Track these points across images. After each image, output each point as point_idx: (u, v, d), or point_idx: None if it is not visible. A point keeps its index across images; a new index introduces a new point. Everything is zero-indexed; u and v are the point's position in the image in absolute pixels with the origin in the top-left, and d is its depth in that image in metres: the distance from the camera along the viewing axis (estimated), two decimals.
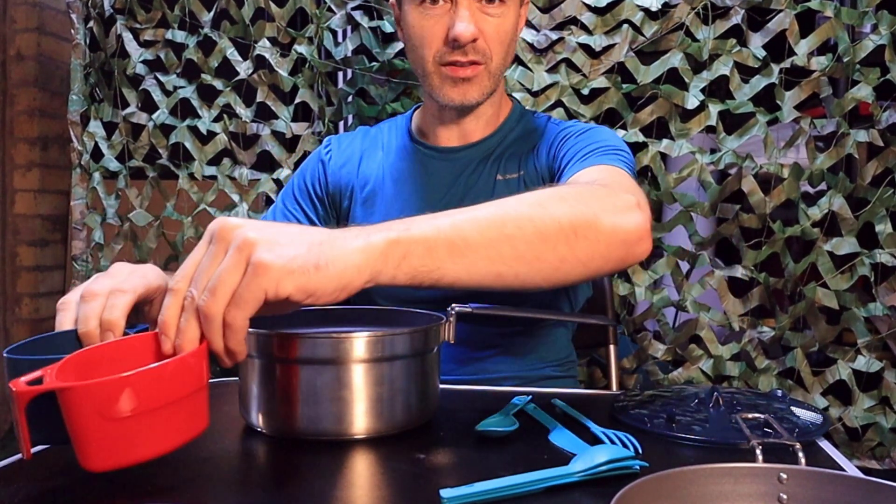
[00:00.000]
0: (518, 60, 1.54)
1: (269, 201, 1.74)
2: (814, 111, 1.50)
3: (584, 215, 0.72)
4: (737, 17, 1.44)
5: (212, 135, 1.75)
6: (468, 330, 1.08)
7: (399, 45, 1.60)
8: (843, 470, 0.64)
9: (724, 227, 1.50)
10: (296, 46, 1.66)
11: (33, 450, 0.58)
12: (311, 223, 1.15)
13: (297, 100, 1.69)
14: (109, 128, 1.83)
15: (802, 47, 1.42)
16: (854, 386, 1.44)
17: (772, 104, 1.46)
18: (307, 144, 1.69)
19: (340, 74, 1.81)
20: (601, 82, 1.51)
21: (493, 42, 1.03)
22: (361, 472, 0.66)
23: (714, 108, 1.47)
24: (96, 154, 1.83)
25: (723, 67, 1.46)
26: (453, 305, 0.81)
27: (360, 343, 0.71)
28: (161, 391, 0.55)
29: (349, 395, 0.71)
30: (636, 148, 1.51)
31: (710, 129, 1.49)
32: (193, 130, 1.75)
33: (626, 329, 1.59)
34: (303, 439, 0.72)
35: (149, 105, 1.78)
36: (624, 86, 1.51)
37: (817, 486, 0.49)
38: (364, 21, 1.61)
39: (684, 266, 1.55)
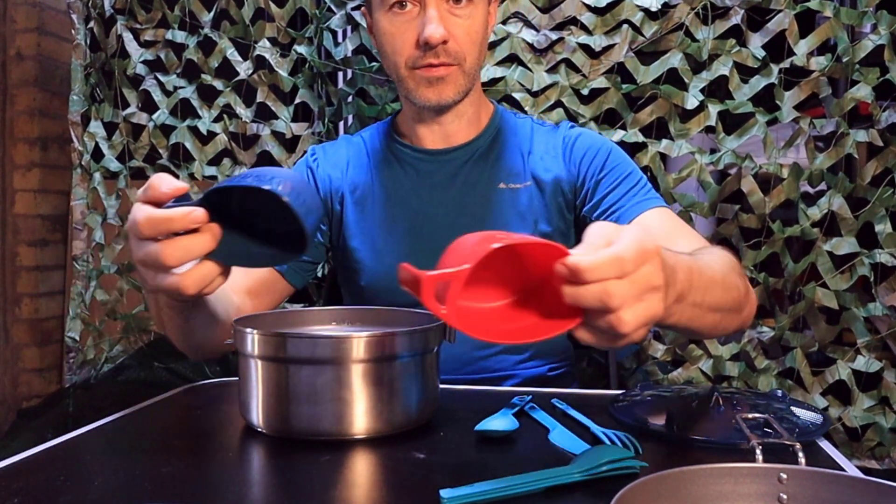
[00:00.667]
0: (518, 60, 1.55)
1: None
2: (813, 111, 1.50)
3: (740, 303, 0.83)
4: (736, 18, 1.44)
5: (212, 135, 1.75)
6: None
7: None
8: (843, 470, 0.64)
9: (724, 228, 1.50)
10: (296, 47, 1.66)
11: None
12: None
13: (297, 100, 1.69)
14: (110, 128, 1.83)
15: (802, 47, 1.42)
16: (854, 386, 1.44)
17: (771, 104, 1.46)
18: (307, 145, 1.69)
19: (340, 75, 1.81)
20: (601, 82, 1.51)
21: (465, 43, 1.04)
22: (361, 472, 0.66)
23: (713, 109, 1.47)
24: (97, 154, 1.83)
25: (722, 67, 1.46)
26: None
27: (360, 343, 0.71)
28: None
29: (349, 395, 0.71)
30: (636, 148, 1.51)
31: (710, 130, 1.49)
32: (194, 131, 1.76)
33: None
34: (303, 439, 0.72)
35: (149, 105, 1.78)
36: (624, 86, 1.51)
37: (817, 486, 0.49)
38: (364, 21, 1.61)
39: None
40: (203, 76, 1.73)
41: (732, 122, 1.50)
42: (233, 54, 1.71)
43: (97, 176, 1.82)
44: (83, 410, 1.78)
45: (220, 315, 0.91)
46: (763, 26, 1.44)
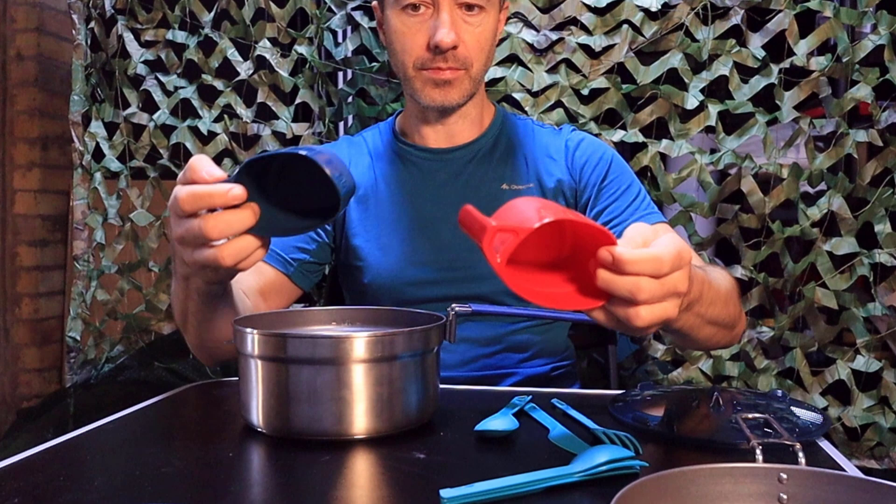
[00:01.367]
0: (518, 60, 1.55)
1: None
2: (813, 111, 1.50)
3: (734, 322, 0.89)
4: (736, 18, 1.44)
5: (212, 135, 1.75)
6: (471, 328, 1.09)
7: None
8: (843, 470, 0.64)
9: (724, 228, 1.50)
10: (296, 47, 1.66)
11: None
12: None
13: (298, 100, 1.69)
14: (110, 128, 1.83)
15: (802, 47, 1.42)
16: (853, 386, 1.44)
17: (771, 104, 1.46)
18: (307, 145, 1.69)
19: (341, 75, 1.81)
20: (601, 83, 1.51)
21: (474, 49, 1.05)
22: (361, 472, 0.66)
23: (713, 109, 1.47)
24: (97, 154, 1.83)
25: (722, 68, 1.46)
26: (453, 305, 0.81)
27: (360, 343, 0.71)
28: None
29: (349, 395, 0.71)
30: (636, 148, 1.51)
31: (710, 130, 1.49)
32: (194, 131, 1.75)
33: None
34: (303, 439, 0.72)
35: (150, 105, 1.78)
36: (624, 86, 1.51)
37: (817, 486, 0.49)
38: (364, 21, 1.61)
39: None
40: (203, 76, 1.73)
41: (732, 122, 1.50)
42: (233, 54, 1.71)
43: (98, 176, 1.82)
44: (83, 410, 1.78)
45: (239, 313, 0.92)
46: (763, 26, 1.44)
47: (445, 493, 0.56)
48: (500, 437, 0.73)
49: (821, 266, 1.44)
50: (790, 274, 1.48)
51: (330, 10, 1.63)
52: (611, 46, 1.51)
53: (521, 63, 1.54)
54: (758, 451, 0.61)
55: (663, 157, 1.51)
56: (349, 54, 1.66)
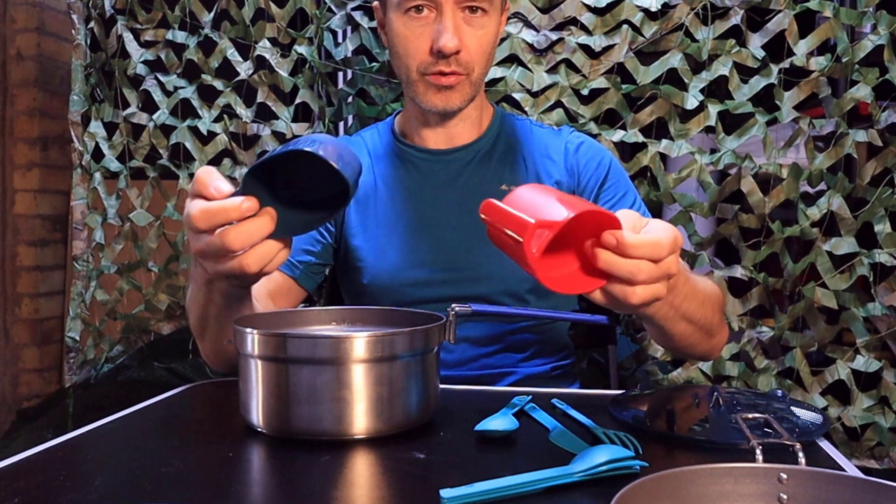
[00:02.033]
0: (518, 61, 1.55)
1: None
2: (813, 111, 1.50)
3: (713, 328, 0.94)
4: (736, 18, 1.44)
5: (212, 135, 1.75)
6: (471, 328, 1.09)
7: None
8: (843, 470, 0.64)
9: (724, 228, 1.50)
10: (296, 47, 1.66)
11: None
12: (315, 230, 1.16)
13: (298, 100, 1.69)
14: (110, 128, 1.83)
15: (801, 47, 1.42)
16: (853, 386, 1.44)
17: (771, 104, 1.46)
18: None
19: (340, 75, 1.81)
20: (601, 83, 1.51)
21: (476, 54, 1.05)
22: (361, 472, 0.66)
23: (713, 109, 1.47)
24: (97, 154, 1.83)
25: (722, 68, 1.46)
26: (453, 305, 0.81)
27: (360, 343, 0.71)
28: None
29: (349, 395, 0.71)
30: (636, 148, 1.51)
31: (710, 130, 1.49)
32: (194, 131, 1.75)
33: (626, 329, 1.59)
34: (303, 439, 0.72)
35: (149, 105, 1.78)
36: (623, 86, 1.51)
37: (817, 486, 0.49)
38: (364, 21, 1.61)
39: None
40: (203, 76, 1.73)
41: (732, 122, 1.50)
42: (233, 54, 1.71)
43: (97, 176, 1.82)
44: (83, 410, 1.78)
45: None
46: (763, 26, 1.44)
47: (445, 493, 0.56)
48: (500, 437, 0.73)
49: (821, 266, 1.44)
50: (790, 274, 1.48)
51: (330, 10, 1.63)
52: (611, 46, 1.51)
53: (521, 63, 1.54)
54: (758, 451, 0.61)
55: (663, 157, 1.51)
56: (349, 54, 1.66)
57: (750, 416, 0.71)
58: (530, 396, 0.87)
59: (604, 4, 1.50)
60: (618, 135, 1.51)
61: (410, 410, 0.75)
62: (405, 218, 1.13)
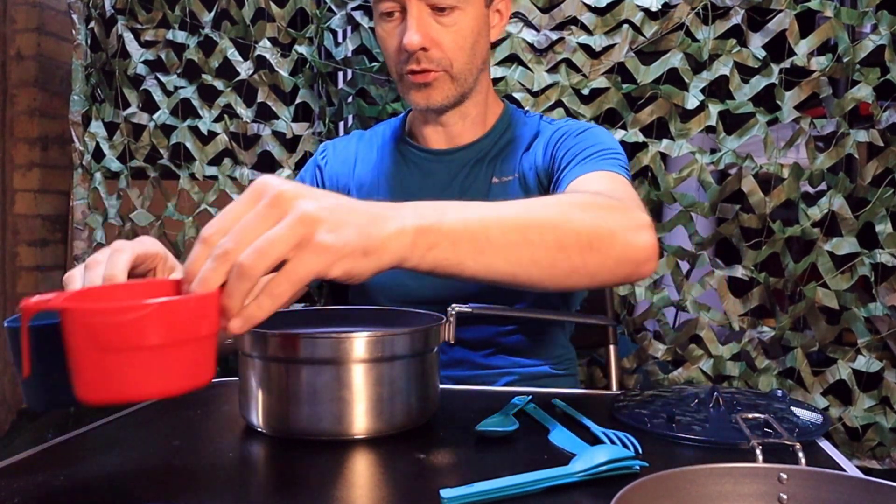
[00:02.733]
0: (518, 60, 1.55)
1: None
2: (814, 111, 1.50)
3: (601, 229, 0.74)
4: (737, 18, 1.44)
5: (212, 135, 1.75)
6: (464, 330, 1.09)
7: None
8: (844, 470, 0.64)
9: (724, 227, 1.50)
10: (296, 47, 1.66)
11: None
12: None
13: (298, 100, 1.69)
14: (110, 128, 1.83)
15: (802, 47, 1.42)
16: (854, 386, 1.44)
17: (772, 104, 1.46)
18: (308, 145, 1.69)
19: (341, 75, 1.81)
20: (601, 82, 1.51)
21: (451, 49, 1.05)
22: (361, 472, 0.66)
23: (714, 109, 1.47)
24: (97, 154, 1.83)
25: (723, 67, 1.46)
26: (453, 305, 0.81)
27: (360, 343, 0.71)
28: (164, 328, 0.53)
29: (349, 395, 0.71)
30: (636, 148, 1.51)
31: (710, 130, 1.49)
32: (194, 130, 1.76)
33: (626, 329, 1.59)
34: (303, 439, 0.72)
35: (150, 105, 1.78)
36: (624, 86, 1.51)
37: (817, 486, 0.49)
38: (364, 21, 1.61)
39: (684, 266, 1.55)
40: (204, 76, 1.73)
41: (733, 122, 1.50)
42: (233, 54, 1.71)
43: (98, 176, 1.83)
44: (83, 410, 1.78)
45: None
46: (763, 26, 1.44)
47: (445, 493, 0.56)
48: (500, 437, 0.73)
49: (821, 266, 1.44)
50: (791, 274, 1.47)
51: (330, 9, 1.63)
52: (611, 46, 1.51)
53: (522, 63, 1.54)
54: (758, 451, 0.61)
55: (664, 157, 1.51)
56: (349, 54, 1.66)
57: (750, 416, 0.71)
58: (530, 396, 0.86)
59: (604, 4, 1.50)
60: (618, 134, 1.51)
61: (410, 410, 0.75)
62: None
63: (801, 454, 0.60)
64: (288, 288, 0.56)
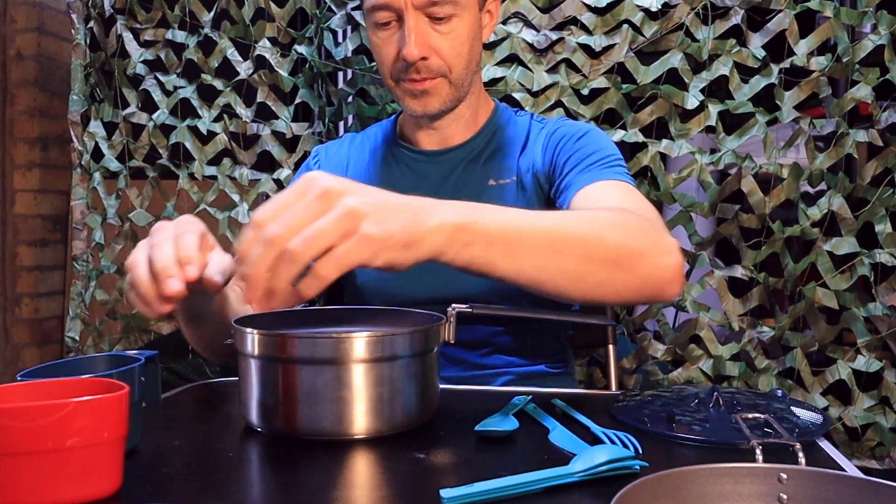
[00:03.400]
0: (518, 60, 1.54)
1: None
2: (813, 111, 1.50)
3: (630, 249, 0.76)
4: (736, 18, 1.44)
5: (212, 135, 1.75)
6: (461, 330, 1.09)
7: None
8: (844, 470, 0.64)
9: (724, 228, 1.50)
10: (296, 46, 1.66)
11: None
12: None
13: (298, 100, 1.69)
14: (110, 128, 1.83)
15: (802, 47, 1.42)
16: (854, 386, 1.44)
17: (771, 104, 1.46)
18: (307, 145, 1.69)
19: (340, 74, 1.81)
20: (601, 82, 1.51)
21: (449, 56, 1.04)
22: (361, 472, 0.66)
23: (714, 109, 1.47)
24: (97, 154, 1.83)
25: (722, 68, 1.46)
26: (453, 305, 0.81)
27: (360, 343, 0.71)
28: (32, 434, 0.53)
29: (349, 395, 0.71)
30: (636, 148, 1.51)
31: (710, 130, 1.49)
32: (194, 130, 1.75)
33: (626, 329, 1.59)
34: (303, 439, 0.72)
35: (149, 105, 1.78)
36: (624, 86, 1.51)
37: (817, 486, 0.49)
38: (364, 21, 1.61)
39: (684, 266, 1.55)
40: (203, 76, 1.73)
41: (732, 122, 1.50)
42: (233, 54, 1.71)
43: (97, 176, 1.82)
44: None
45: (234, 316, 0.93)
46: (763, 26, 1.44)
47: (445, 493, 0.56)
48: (500, 437, 0.73)
49: (821, 266, 1.44)
50: (790, 274, 1.47)
51: (330, 9, 1.63)
52: (611, 46, 1.51)
53: (522, 63, 1.54)
54: (758, 451, 0.61)
55: (663, 157, 1.51)
56: (349, 54, 1.66)
57: (750, 416, 0.71)
58: (530, 396, 0.86)
59: (604, 4, 1.50)
60: (618, 135, 1.51)
61: (410, 410, 0.75)
62: None
63: (801, 454, 0.60)
64: (333, 272, 0.59)
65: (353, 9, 1.62)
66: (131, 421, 0.59)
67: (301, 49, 1.66)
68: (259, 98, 1.70)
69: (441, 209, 0.67)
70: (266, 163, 1.74)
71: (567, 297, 0.77)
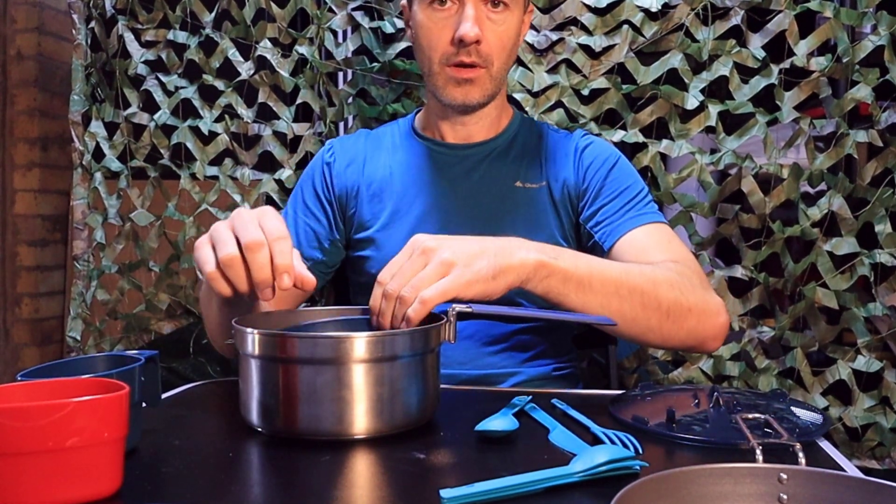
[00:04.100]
0: (518, 61, 1.54)
1: (269, 201, 1.74)
2: (813, 111, 1.50)
3: (680, 305, 0.92)
4: (736, 18, 1.44)
5: (213, 135, 1.75)
6: (474, 326, 1.09)
7: (400, 46, 1.60)
8: (843, 470, 0.64)
9: (724, 228, 1.50)
10: (297, 47, 1.66)
11: None
12: (327, 228, 1.17)
13: (299, 100, 1.69)
14: (111, 128, 1.83)
15: (802, 48, 1.42)
16: (854, 386, 1.44)
17: (771, 105, 1.46)
18: (308, 145, 1.69)
19: (341, 75, 1.81)
20: (601, 83, 1.51)
21: (496, 47, 1.06)
22: (361, 472, 0.66)
23: (714, 109, 1.47)
24: (98, 154, 1.83)
25: (722, 68, 1.46)
26: (453, 305, 0.81)
27: (360, 343, 0.71)
28: (28, 433, 0.53)
29: (349, 395, 0.71)
30: (636, 148, 1.51)
31: (710, 130, 1.49)
32: (195, 131, 1.76)
33: None
34: (303, 439, 0.72)
35: (150, 105, 1.78)
36: (624, 86, 1.51)
37: (817, 486, 0.49)
38: (365, 22, 1.61)
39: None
40: (204, 76, 1.73)
41: (732, 123, 1.50)
42: (234, 54, 1.71)
43: (98, 176, 1.83)
44: None
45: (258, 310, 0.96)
46: (763, 27, 1.44)
47: (445, 493, 0.56)
48: (500, 437, 0.73)
49: (821, 266, 1.44)
50: (791, 274, 1.47)
51: (331, 10, 1.63)
52: (611, 47, 1.51)
53: (522, 63, 1.54)
54: (758, 451, 0.61)
55: (663, 157, 1.51)
56: (350, 54, 1.66)
57: (750, 416, 0.71)
58: (530, 396, 0.87)
59: (604, 5, 1.50)
60: (618, 135, 1.51)
61: (410, 410, 0.75)
62: (416, 207, 1.13)
63: (801, 454, 0.60)
64: (435, 298, 0.77)
65: (354, 9, 1.62)
66: (131, 421, 0.59)
67: (302, 49, 1.66)
68: (260, 98, 1.70)
69: (524, 246, 0.85)
70: (267, 163, 1.74)
71: (619, 334, 0.93)
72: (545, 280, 0.84)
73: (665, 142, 1.50)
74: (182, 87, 1.75)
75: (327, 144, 1.23)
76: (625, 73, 1.50)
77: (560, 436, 0.73)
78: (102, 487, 0.56)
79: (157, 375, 0.75)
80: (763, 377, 1.48)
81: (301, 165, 1.67)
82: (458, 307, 0.81)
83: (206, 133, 1.74)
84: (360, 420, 0.72)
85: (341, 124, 1.74)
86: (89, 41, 1.83)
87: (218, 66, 1.72)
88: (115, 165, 1.81)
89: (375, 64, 1.62)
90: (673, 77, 1.48)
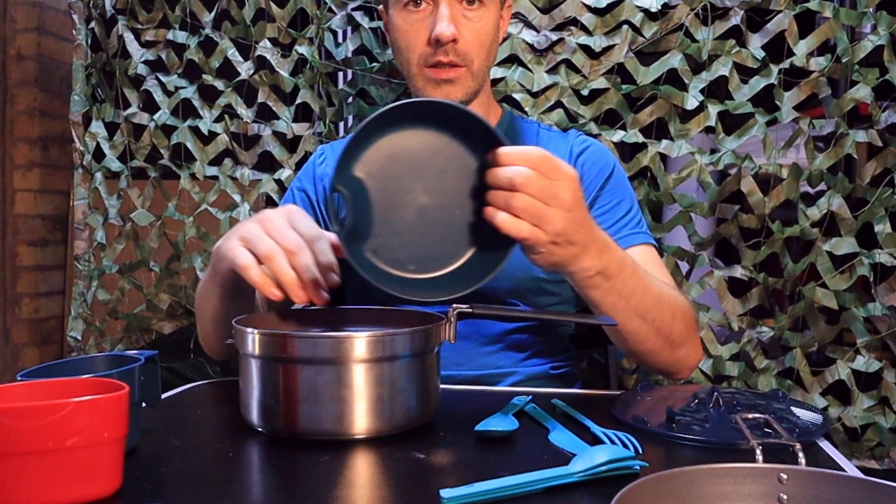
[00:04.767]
0: (518, 61, 1.55)
1: (269, 201, 1.74)
2: (813, 111, 1.50)
3: (683, 339, 0.96)
4: (736, 18, 1.44)
5: (213, 135, 1.75)
6: (473, 325, 1.09)
7: None
8: (843, 470, 0.64)
9: (724, 228, 1.50)
10: (297, 47, 1.67)
11: None
12: None
13: (298, 100, 1.69)
14: (111, 128, 1.83)
15: (801, 48, 1.42)
16: (853, 386, 1.44)
17: (771, 105, 1.46)
18: (308, 145, 1.69)
19: (341, 75, 1.81)
20: (601, 83, 1.51)
21: (473, 45, 1.06)
22: (361, 472, 0.66)
23: (713, 109, 1.47)
24: (98, 154, 1.83)
25: (722, 68, 1.46)
26: (454, 305, 0.81)
27: (360, 343, 0.71)
28: (29, 433, 0.53)
29: (349, 395, 0.71)
30: (636, 148, 1.51)
31: (710, 130, 1.49)
32: (195, 131, 1.76)
33: None
34: (303, 439, 0.72)
35: (150, 105, 1.78)
36: (623, 86, 1.51)
37: (817, 486, 0.49)
38: (364, 22, 1.61)
39: (684, 266, 1.55)
40: (204, 76, 1.73)
41: (732, 123, 1.50)
42: (234, 54, 1.71)
43: (98, 176, 1.83)
44: None
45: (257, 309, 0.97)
46: (763, 27, 1.44)
47: (445, 493, 0.56)
48: (500, 437, 0.73)
49: (821, 266, 1.44)
50: (790, 274, 1.48)
51: (330, 10, 1.63)
52: (611, 47, 1.51)
53: (522, 63, 1.54)
54: (758, 451, 0.61)
55: (663, 157, 1.51)
56: (349, 54, 1.66)
57: (750, 416, 0.71)
58: (530, 396, 0.87)
59: (604, 5, 1.50)
60: (618, 135, 1.51)
61: (410, 410, 0.75)
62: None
63: (800, 454, 0.60)
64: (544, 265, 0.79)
65: (354, 9, 1.62)
66: (131, 421, 0.59)
67: (302, 49, 1.66)
68: (260, 98, 1.70)
69: (591, 254, 0.81)
70: (267, 163, 1.74)
71: (620, 342, 0.94)
72: (593, 289, 0.84)
73: (665, 142, 1.50)
74: (182, 87, 1.75)
75: (318, 150, 1.24)
76: (624, 73, 1.50)
77: (560, 436, 0.73)
78: (102, 487, 0.57)
79: (157, 375, 0.75)
80: (763, 377, 1.48)
81: (301, 165, 1.67)
82: (459, 307, 0.81)
83: (206, 133, 1.75)
84: (361, 420, 0.72)
85: (341, 124, 1.74)
86: (89, 41, 1.83)
87: (218, 66, 1.72)
88: (116, 165, 1.81)
89: (375, 64, 1.62)
90: (673, 77, 1.48)
